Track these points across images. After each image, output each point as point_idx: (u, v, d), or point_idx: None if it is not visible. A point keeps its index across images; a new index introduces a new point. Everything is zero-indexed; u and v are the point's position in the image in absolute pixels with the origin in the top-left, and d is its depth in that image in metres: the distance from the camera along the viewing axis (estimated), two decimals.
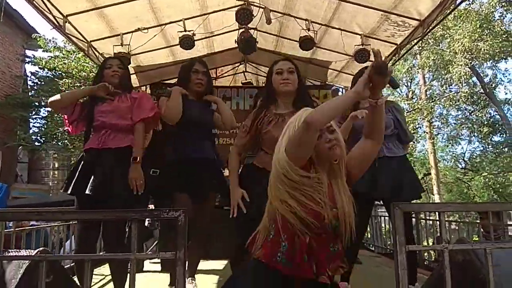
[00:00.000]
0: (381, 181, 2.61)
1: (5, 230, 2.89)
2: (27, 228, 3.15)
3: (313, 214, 1.45)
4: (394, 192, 2.61)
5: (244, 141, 2.41)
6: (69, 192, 2.34)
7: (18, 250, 1.64)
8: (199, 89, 2.71)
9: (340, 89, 7.32)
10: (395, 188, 2.62)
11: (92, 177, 2.28)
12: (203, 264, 4.29)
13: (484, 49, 12.13)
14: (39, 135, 11.40)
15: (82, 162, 2.41)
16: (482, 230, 4.38)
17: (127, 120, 2.46)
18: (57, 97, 2.53)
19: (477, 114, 15.39)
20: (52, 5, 4.37)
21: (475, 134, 16.29)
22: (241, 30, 5.51)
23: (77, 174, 2.35)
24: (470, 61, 12.65)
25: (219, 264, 4.25)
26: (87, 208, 2.26)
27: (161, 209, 1.36)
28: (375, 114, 1.55)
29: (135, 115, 2.48)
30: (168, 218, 1.32)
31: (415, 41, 5.31)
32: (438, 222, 5.42)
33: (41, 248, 1.66)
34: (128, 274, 1.63)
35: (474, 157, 18.13)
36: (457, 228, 4.62)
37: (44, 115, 11.78)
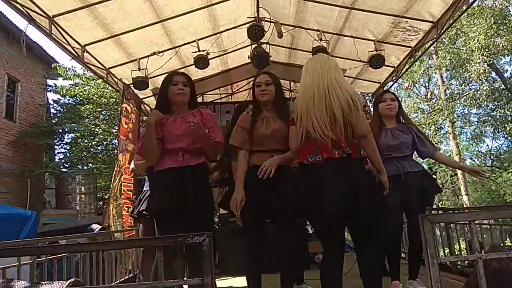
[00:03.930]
0: (409, 190, 2.94)
1: (37, 260, 2.96)
2: (58, 256, 3.21)
3: None
4: (420, 197, 2.96)
5: (246, 137, 2.55)
6: (154, 209, 2.52)
7: (50, 282, 1.67)
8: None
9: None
10: (421, 192, 2.96)
11: (177, 192, 2.41)
12: (227, 282, 4.30)
13: (501, 45, 11.87)
14: (64, 161, 11.69)
15: (158, 182, 2.54)
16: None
17: (199, 144, 2.54)
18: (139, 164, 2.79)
19: (499, 110, 14.97)
20: (70, 36, 4.52)
21: (499, 130, 15.84)
22: (253, 45, 5.57)
23: (159, 194, 2.50)
24: (488, 58, 12.37)
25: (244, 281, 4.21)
26: (172, 222, 2.41)
27: (185, 234, 1.35)
28: None
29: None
30: (192, 243, 1.31)
31: (430, 43, 5.26)
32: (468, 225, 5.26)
33: (72, 279, 1.69)
34: None
35: (501, 154, 17.61)
36: (488, 227, 4.45)
37: (68, 141, 12.11)
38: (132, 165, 3.69)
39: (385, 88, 6.42)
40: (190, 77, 2.70)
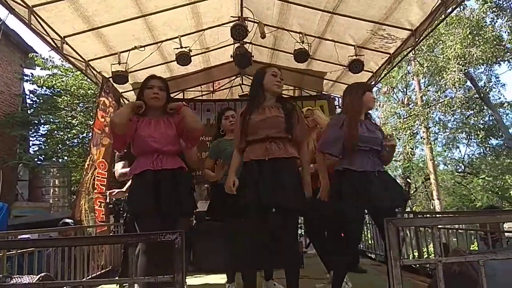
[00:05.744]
0: (377, 192, 2.70)
1: (8, 253, 2.91)
2: (29, 249, 3.17)
3: None
4: (386, 202, 2.68)
5: (242, 140, 2.67)
6: (136, 211, 2.54)
7: (20, 276, 1.65)
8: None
9: (336, 99, 7.39)
10: (386, 198, 2.70)
11: (152, 195, 2.45)
12: (201, 279, 4.33)
13: (476, 55, 12.22)
14: (39, 153, 11.42)
15: (138, 184, 2.53)
16: (480, 232, 4.35)
17: (176, 145, 2.60)
18: (115, 118, 2.57)
19: (473, 118, 15.42)
20: (50, 27, 4.45)
21: (472, 138, 16.32)
22: (236, 45, 5.59)
23: (139, 195, 2.50)
24: (464, 67, 12.72)
25: (218, 278, 4.25)
26: (155, 222, 2.41)
27: (158, 232, 1.37)
28: None
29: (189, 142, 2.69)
30: (165, 241, 1.33)
31: (408, 50, 5.40)
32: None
33: (43, 274, 1.68)
34: None
35: (473, 160, 18.16)
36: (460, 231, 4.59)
37: (43, 133, 11.82)
38: (121, 170, 3.60)
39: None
40: (166, 82, 2.73)
